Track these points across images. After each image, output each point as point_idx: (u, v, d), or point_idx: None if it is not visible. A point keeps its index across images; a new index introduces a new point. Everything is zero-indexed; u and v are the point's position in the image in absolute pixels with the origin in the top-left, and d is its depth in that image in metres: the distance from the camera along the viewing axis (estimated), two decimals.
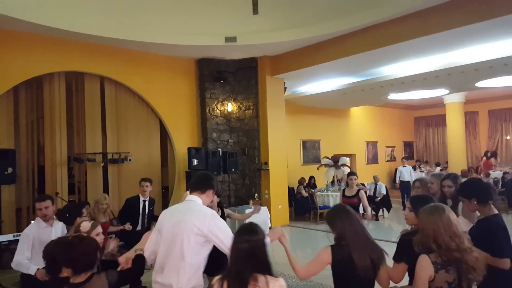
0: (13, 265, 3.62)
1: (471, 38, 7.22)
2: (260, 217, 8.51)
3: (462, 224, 2.44)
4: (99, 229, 3.02)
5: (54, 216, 3.94)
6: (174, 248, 2.49)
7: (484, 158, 15.23)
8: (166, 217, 2.67)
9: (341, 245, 2.46)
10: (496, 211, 2.83)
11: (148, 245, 2.65)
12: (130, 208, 5.95)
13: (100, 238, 2.92)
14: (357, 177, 5.89)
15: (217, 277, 2.10)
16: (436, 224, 2.19)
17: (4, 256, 6.44)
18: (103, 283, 2.34)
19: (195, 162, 8.53)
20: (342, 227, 2.47)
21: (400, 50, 7.82)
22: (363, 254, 2.37)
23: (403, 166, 12.17)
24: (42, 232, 3.72)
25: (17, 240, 6.19)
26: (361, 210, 6.03)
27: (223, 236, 2.50)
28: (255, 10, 6.03)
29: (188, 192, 2.75)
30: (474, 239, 2.32)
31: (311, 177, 11.99)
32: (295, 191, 11.31)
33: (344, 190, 6.04)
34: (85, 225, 2.95)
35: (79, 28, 7.16)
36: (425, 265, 2.17)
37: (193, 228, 2.47)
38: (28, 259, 3.59)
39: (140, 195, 6.05)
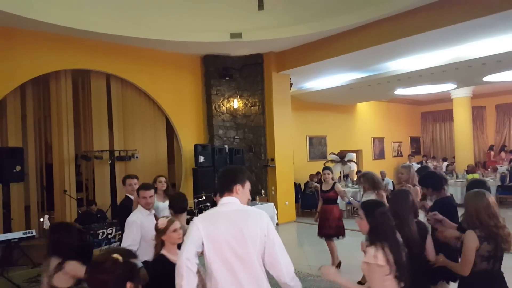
0: None
1: (478, 32, 7.14)
2: (267, 213, 8.52)
3: None
4: (176, 224, 2.83)
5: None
6: (246, 261, 2.18)
7: (492, 152, 15.11)
8: (215, 228, 2.21)
9: (475, 225, 2.72)
10: (448, 194, 3.83)
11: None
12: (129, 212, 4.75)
13: (178, 235, 2.75)
14: (331, 172, 6.01)
15: None
16: (478, 205, 2.70)
17: (14, 253, 6.51)
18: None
19: (201, 159, 8.54)
20: (476, 208, 2.72)
21: (407, 44, 7.75)
22: None
23: (410, 163, 12.06)
24: (146, 220, 3.67)
25: (27, 238, 6.29)
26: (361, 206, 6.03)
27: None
28: (261, 6, 6.00)
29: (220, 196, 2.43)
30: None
31: (318, 173, 11.96)
32: (302, 187, 11.30)
33: (320, 185, 6.17)
34: (162, 221, 2.81)
35: (85, 26, 7.18)
36: (472, 238, 2.65)
37: (258, 232, 2.20)
38: (132, 245, 3.38)
39: (128, 195, 4.90)
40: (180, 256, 2.19)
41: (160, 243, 2.79)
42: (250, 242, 2.17)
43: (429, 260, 3.03)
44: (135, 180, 4.86)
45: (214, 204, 8.06)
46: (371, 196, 4.96)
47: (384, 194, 5.06)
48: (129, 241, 3.51)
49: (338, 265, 5.85)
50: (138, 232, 3.54)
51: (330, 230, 5.80)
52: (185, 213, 3.63)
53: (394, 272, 2.27)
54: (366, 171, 5.86)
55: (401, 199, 3.00)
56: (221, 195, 2.36)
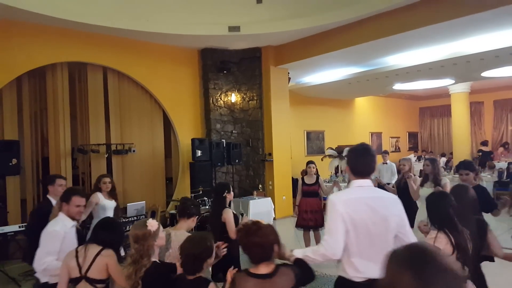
0: None
1: (477, 27, 7.11)
2: (264, 208, 8.54)
3: None
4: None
5: None
6: (384, 245, 2.24)
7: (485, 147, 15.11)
8: (360, 209, 2.32)
9: None
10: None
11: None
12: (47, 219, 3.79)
13: (164, 238, 2.67)
14: (315, 166, 6.25)
15: None
16: None
17: (11, 246, 6.49)
18: (290, 278, 2.17)
19: (198, 153, 8.52)
20: None
21: (406, 39, 7.72)
22: None
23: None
24: (69, 233, 3.24)
25: (23, 231, 6.27)
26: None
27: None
28: (259, 0, 5.96)
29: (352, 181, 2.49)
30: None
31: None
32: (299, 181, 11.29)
33: (303, 178, 6.33)
34: (153, 223, 2.56)
35: (82, 18, 7.11)
36: None
37: (395, 216, 2.38)
38: (51, 254, 3.03)
39: (50, 198, 4.26)
40: (336, 243, 2.29)
41: (149, 250, 2.49)
42: (388, 226, 2.33)
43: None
44: (65, 182, 4.39)
45: (210, 198, 8.01)
46: None
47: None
48: (49, 249, 2.99)
49: None
50: (59, 245, 3.02)
51: (319, 222, 6.06)
52: (192, 218, 3.32)
53: (456, 254, 2.43)
54: None
55: (461, 195, 2.94)
56: (359, 177, 2.45)
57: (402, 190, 5.32)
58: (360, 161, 2.50)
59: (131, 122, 8.81)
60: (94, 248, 2.72)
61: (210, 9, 8.00)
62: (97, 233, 2.83)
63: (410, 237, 2.39)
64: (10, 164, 6.37)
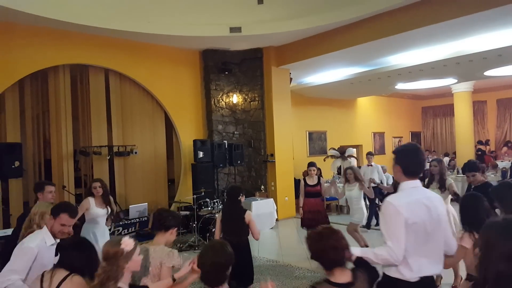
0: None
1: (479, 26, 7.07)
2: (267, 209, 8.53)
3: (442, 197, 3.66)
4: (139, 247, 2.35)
5: None
6: (437, 242, 2.39)
7: (488, 147, 15.05)
8: (421, 211, 2.34)
9: None
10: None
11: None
12: None
13: (139, 260, 2.31)
14: (316, 168, 6.47)
15: None
16: None
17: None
18: (367, 281, 2.15)
19: (200, 154, 8.51)
20: None
21: (408, 38, 7.68)
22: None
23: None
24: (47, 252, 2.88)
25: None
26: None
27: None
28: (260, 0, 5.95)
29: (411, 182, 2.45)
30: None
31: (318, 169, 11.93)
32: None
33: (304, 179, 6.47)
34: (128, 242, 2.23)
35: (83, 20, 7.12)
36: None
37: (445, 218, 2.53)
38: (18, 273, 2.68)
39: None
40: (400, 249, 2.26)
41: (118, 272, 2.15)
42: (440, 224, 2.40)
43: None
44: (54, 188, 4.18)
45: (212, 199, 7.99)
46: (354, 187, 6.01)
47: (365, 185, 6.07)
48: (17, 267, 2.63)
49: None
50: (30, 264, 2.67)
51: (321, 222, 5.99)
52: (170, 231, 2.91)
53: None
54: (351, 165, 6.87)
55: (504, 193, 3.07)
56: (410, 177, 2.43)
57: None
58: (413, 161, 2.46)
59: (133, 124, 8.81)
60: (60, 273, 2.33)
61: (211, 10, 7.99)
62: (64, 255, 2.40)
63: (449, 233, 2.52)
64: (13, 166, 6.37)
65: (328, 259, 2.09)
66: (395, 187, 5.70)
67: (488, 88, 15.02)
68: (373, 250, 2.36)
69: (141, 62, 8.60)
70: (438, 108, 17.82)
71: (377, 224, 7.48)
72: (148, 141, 9.05)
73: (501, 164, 12.88)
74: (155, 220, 2.94)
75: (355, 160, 10.53)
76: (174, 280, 2.60)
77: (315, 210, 6.20)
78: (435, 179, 4.99)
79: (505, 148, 14.91)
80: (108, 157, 8.16)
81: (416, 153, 2.47)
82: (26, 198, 7.72)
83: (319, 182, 6.28)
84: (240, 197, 4.30)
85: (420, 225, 2.32)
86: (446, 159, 14.69)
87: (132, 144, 8.51)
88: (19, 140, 7.30)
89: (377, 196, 8.13)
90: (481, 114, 16.41)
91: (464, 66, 9.51)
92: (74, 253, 2.40)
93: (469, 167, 4.41)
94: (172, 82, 9.14)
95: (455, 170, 12.52)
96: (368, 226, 7.98)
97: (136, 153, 8.36)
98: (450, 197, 4.91)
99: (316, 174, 6.37)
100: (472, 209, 2.86)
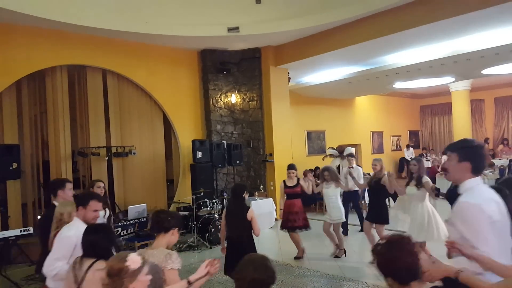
0: None
1: (477, 24, 7.08)
2: (266, 208, 8.52)
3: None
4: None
5: None
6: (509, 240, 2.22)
7: (486, 146, 15.06)
8: (496, 208, 2.19)
9: None
10: None
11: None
12: None
13: (148, 280, 2.06)
14: (296, 171, 6.46)
15: None
16: None
17: (12, 251, 6.47)
18: None
19: (199, 154, 8.50)
20: None
21: (406, 37, 7.69)
22: None
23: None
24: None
25: (24, 235, 6.24)
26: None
27: None
28: (258, 0, 5.94)
29: None
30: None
31: (317, 168, 11.93)
32: None
33: (284, 181, 6.48)
34: (136, 260, 2.01)
35: (81, 21, 7.09)
36: None
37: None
38: (61, 260, 2.91)
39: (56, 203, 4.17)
40: (493, 248, 2.04)
41: None
42: (509, 220, 2.23)
43: None
44: (72, 185, 4.22)
45: (211, 199, 7.99)
46: (332, 186, 6.32)
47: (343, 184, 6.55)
48: (59, 255, 2.89)
49: (302, 255, 6.35)
50: (71, 251, 2.89)
51: (299, 222, 6.24)
52: (171, 232, 2.83)
53: None
54: (327, 166, 6.93)
55: None
56: (477, 174, 2.28)
57: (374, 189, 5.86)
58: (482, 157, 2.31)
59: (131, 125, 8.79)
60: (87, 261, 2.54)
61: (209, 10, 7.98)
62: (82, 240, 2.62)
63: None
64: (11, 168, 6.35)
65: (404, 271, 1.79)
66: (451, 194, 5.63)
67: (486, 86, 15.06)
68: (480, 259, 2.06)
69: (139, 62, 8.58)
70: (436, 106, 17.86)
71: (361, 230, 7.19)
72: (147, 141, 9.03)
73: (499, 162, 12.91)
74: (154, 223, 2.85)
75: (354, 159, 10.50)
76: (189, 282, 2.45)
77: (294, 211, 6.26)
78: (414, 178, 5.19)
79: (501, 146, 14.95)
80: (107, 158, 8.14)
81: (483, 149, 2.36)
82: (24, 200, 7.70)
83: (298, 184, 6.33)
84: (244, 194, 4.49)
85: (501, 223, 2.17)
86: (444, 158, 14.71)
87: (130, 144, 8.49)
88: (17, 142, 7.27)
89: (352, 199, 8.00)
90: (479, 113, 16.45)
91: (461, 64, 9.53)
92: (88, 236, 2.59)
93: None
94: (170, 83, 9.12)
95: None
96: (347, 231, 7.69)
97: (134, 153, 8.33)
98: (428, 194, 5.12)
99: (296, 176, 6.43)
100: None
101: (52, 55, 7.44)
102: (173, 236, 2.82)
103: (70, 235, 2.91)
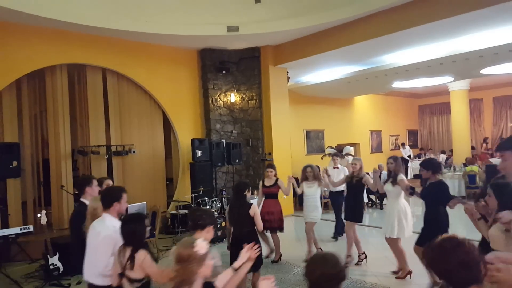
0: None
1: (476, 24, 7.11)
2: None
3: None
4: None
5: None
6: None
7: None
8: None
9: None
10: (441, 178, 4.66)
11: None
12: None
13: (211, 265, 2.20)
14: (274, 170, 6.42)
15: None
16: None
17: (12, 249, 6.50)
18: None
19: (199, 153, 8.52)
20: None
21: (405, 37, 7.71)
22: None
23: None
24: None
25: (24, 233, 6.27)
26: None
27: None
28: None
29: None
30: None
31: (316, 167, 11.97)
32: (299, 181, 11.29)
33: (263, 180, 6.47)
34: (203, 245, 2.12)
35: (81, 20, 7.11)
36: None
37: None
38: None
39: (85, 201, 4.20)
40: None
41: (191, 276, 2.07)
42: None
43: None
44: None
45: (210, 198, 8.00)
46: (314, 185, 6.26)
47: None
48: (110, 253, 3.02)
49: (280, 258, 6.25)
50: (115, 248, 2.97)
51: (275, 223, 6.20)
52: (207, 229, 2.92)
53: None
54: (310, 164, 6.64)
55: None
56: None
57: (356, 187, 5.98)
58: None
59: (131, 123, 8.81)
60: (128, 249, 2.80)
61: (208, 9, 8.00)
62: (122, 229, 2.84)
63: None
64: (11, 166, 6.38)
65: (462, 275, 1.69)
66: (349, 184, 6.04)
67: (485, 86, 15.10)
68: None
69: (138, 61, 8.61)
70: (435, 106, 17.91)
71: (342, 233, 7.05)
72: (146, 140, 9.05)
73: (497, 161, 12.95)
74: (191, 220, 3.04)
75: (339, 159, 10.46)
76: (235, 269, 2.56)
77: (271, 211, 6.24)
78: (391, 175, 5.31)
79: (484, 145, 15.01)
80: (106, 157, 8.16)
81: None
82: (24, 198, 7.72)
83: (276, 183, 6.30)
84: (246, 192, 4.59)
85: None
86: (442, 156, 14.77)
87: (130, 143, 8.51)
88: (17, 140, 7.29)
89: (337, 201, 7.56)
90: (477, 112, 16.50)
91: (460, 64, 9.56)
92: (131, 227, 2.81)
93: (423, 164, 4.89)
94: (170, 82, 9.14)
95: (452, 168, 12.58)
96: (337, 235, 7.44)
97: (134, 152, 8.36)
98: (402, 192, 5.20)
99: (274, 176, 6.34)
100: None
101: (52, 54, 7.45)
102: (208, 233, 2.92)
103: (112, 234, 3.02)
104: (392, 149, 16.97)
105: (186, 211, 7.99)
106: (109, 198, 3.19)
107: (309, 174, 6.30)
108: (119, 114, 8.65)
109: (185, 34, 8.20)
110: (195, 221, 2.97)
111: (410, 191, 4.98)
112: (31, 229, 6.37)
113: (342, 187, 7.08)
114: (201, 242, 2.13)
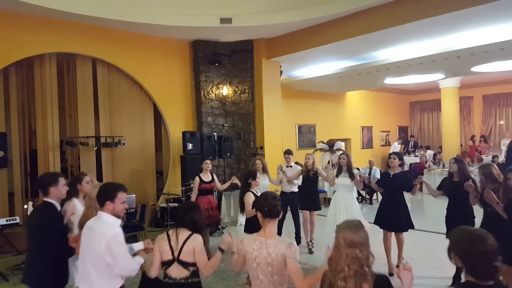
0: None
1: (467, 22, 7.14)
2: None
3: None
4: None
5: None
6: None
7: (471, 142, 15.30)
8: None
9: None
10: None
11: None
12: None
13: None
14: (210, 164, 6.55)
15: None
16: None
17: None
18: None
19: (190, 146, 8.46)
20: None
21: (397, 33, 7.72)
22: None
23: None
24: None
25: (11, 225, 6.17)
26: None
27: None
28: None
29: None
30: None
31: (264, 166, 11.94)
32: None
33: (199, 176, 6.39)
34: (367, 225, 2.15)
35: (71, 7, 6.95)
36: None
37: None
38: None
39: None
40: None
41: (368, 259, 2.05)
42: None
43: None
44: (89, 178, 4.04)
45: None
46: (266, 178, 6.54)
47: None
48: (127, 250, 2.86)
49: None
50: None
51: (211, 220, 6.23)
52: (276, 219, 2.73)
53: None
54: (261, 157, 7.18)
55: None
56: None
57: (312, 180, 6.55)
58: None
59: (121, 115, 8.70)
60: (184, 232, 2.85)
61: (201, 0, 7.89)
62: (185, 217, 2.90)
63: None
64: None
65: (482, 266, 1.82)
66: (305, 178, 6.53)
67: (475, 84, 15.24)
68: None
69: (129, 52, 8.47)
70: (426, 103, 18.04)
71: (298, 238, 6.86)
72: (136, 132, 8.95)
73: (486, 158, 13.12)
74: (267, 207, 2.67)
75: (291, 157, 10.39)
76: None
77: (209, 208, 6.21)
78: (343, 170, 5.89)
79: (470, 142, 15.21)
80: (95, 148, 8.06)
81: None
82: (11, 189, 7.59)
83: (213, 179, 6.33)
84: (251, 180, 4.81)
85: None
86: (429, 152, 14.91)
87: (120, 135, 8.41)
88: (4, 130, 7.15)
89: (291, 202, 6.76)
90: (467, 110, 16.66)
91: (451, 61, 9.62)
92: (193, 215, 2.91)
93: (395, 153, 5.67)
94: (161, 73, 9.03)
95: (441, 164, 12.71)
96: (298, 240, 6.87)
97: (124, 144, 8.27)
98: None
99: (210, 170, 6.38)
100: None
101: (40, 43, 7.29)
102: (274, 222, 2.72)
103: (118, 231, 2.78)
104: (382, 145, 17.07)
105: (176, 204, 7.94)
106: (103, 196, 2.88)
107: (258, 167, 6.41)
108: (108, 105, 8.53)
109: (177, 25, 8.09)
110: (273, 208, 2.66)
111: (362, 187, 5.96)
112: (18, 220, 6.28)
113: (295, 188, 6.73)
114: (366, 223, 2.18)
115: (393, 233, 5.39)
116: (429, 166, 13.02)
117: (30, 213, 3.45)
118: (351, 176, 5.72)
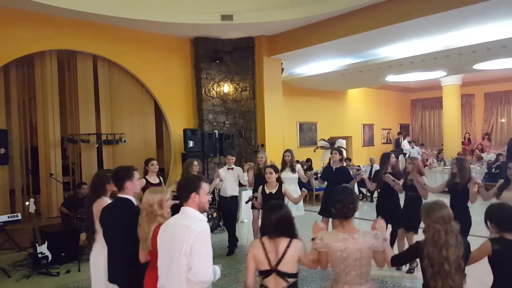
0: None
1: (470, 19, 7.11)
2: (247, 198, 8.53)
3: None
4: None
5: None
6: None
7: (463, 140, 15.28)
8: None
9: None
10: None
11: None
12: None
13: None
14: (157, 163, 6.37)
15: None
16: None
17: (0, 237, 6.41)
18: None
19: (191, 143, 8.45)
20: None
21: (399, 30, 7.70)
22: None
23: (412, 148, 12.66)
24: None
25: (12, 221, 6.17)
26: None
27: None
28: None
29: None
30: None
31: (308, 159, 11.99)
32: None
33: (146, 177, 6.14)
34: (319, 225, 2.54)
35: (71, 5, 6.93)
36: None
37: None
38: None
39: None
40: None
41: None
42: None
43: None
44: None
45: None
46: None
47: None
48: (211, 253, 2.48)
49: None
50: None
51: None
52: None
53: None
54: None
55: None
56: None
57: (262, 180, 6.01)
58: None
59: (122, 112, 8.69)
60: (283, 241, 2.55)
61: None
62: (269, 219, 2.62)
63: None
64: None
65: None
66: (257, 176, 6.30)
67: (477, 81, 15.20)
68: None
69: (130, 49, 8.46)
70: (427, 100, 18.00)
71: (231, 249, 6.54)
72: (137, 129, 8.94)
73: (487, 156, 13.10)
74: (342, 206, 2.59)
75: (344, 151, 10.55)
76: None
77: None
78: (287, 166, 6.38)
79: (485, 141, 15.16)
80: (97, 145, 8.05)
81: None
82: (12, 186, 7.60)
83: (161, 182, 6.12)
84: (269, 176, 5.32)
85: None
86: (405, 143, 14.99)
87: (121, 132, 8.40)
88: (5, 127, 7.15)
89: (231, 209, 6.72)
90: (468, 107, 16.61)
91: (453, 59, 9.58)
92: (291, 222, 2.64)
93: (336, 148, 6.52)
94: (162, 70, 9.01)
95: (442, 162, 12.70)
96: (232, 251, 6.49)
97: (125, 141, 8.26)
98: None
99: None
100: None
101: (41, 40, 7.28)
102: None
103: (206, 227, 2.47)
104: (383, 143, 17.05)
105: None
106: (187, 189, 2.63)
107: (261, 160, 6.58)
108: (109, 102, 8.52)
109: (178, 22, 8.07)
110: (352, 204, 2.60)
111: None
112: (19, 217, 6.28)
113: (236, 192, 6.65)
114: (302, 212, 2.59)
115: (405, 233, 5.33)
116: (430, 164, 13.01)
117: (105, 211, 3.14)
118: (293, 170, 6.36)
